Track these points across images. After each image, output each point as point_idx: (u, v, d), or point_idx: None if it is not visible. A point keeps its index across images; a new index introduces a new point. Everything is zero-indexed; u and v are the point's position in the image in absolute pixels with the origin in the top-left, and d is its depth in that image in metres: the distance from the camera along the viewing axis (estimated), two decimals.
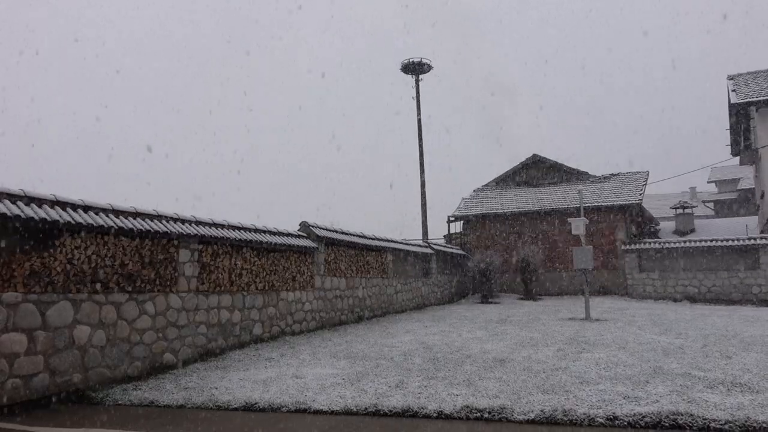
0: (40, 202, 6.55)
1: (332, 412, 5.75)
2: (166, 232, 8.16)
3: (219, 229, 9.55)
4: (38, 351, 6.25)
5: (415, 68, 31.27)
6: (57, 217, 6.51)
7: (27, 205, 6.36)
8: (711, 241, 21.54)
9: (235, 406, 6.04)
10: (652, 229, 28.32)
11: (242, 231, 10.14)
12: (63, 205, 6.85)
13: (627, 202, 23.71)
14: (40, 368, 6.25)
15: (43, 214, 6.37)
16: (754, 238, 20.81)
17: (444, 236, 28.08)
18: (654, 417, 5.10)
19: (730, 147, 27.31)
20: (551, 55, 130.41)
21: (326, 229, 13.21)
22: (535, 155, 28.40)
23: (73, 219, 6.72)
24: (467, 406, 5.59)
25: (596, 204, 23.98)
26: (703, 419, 5.01)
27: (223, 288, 9.47)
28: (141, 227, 7.70)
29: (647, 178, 26.40)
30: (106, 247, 7.29)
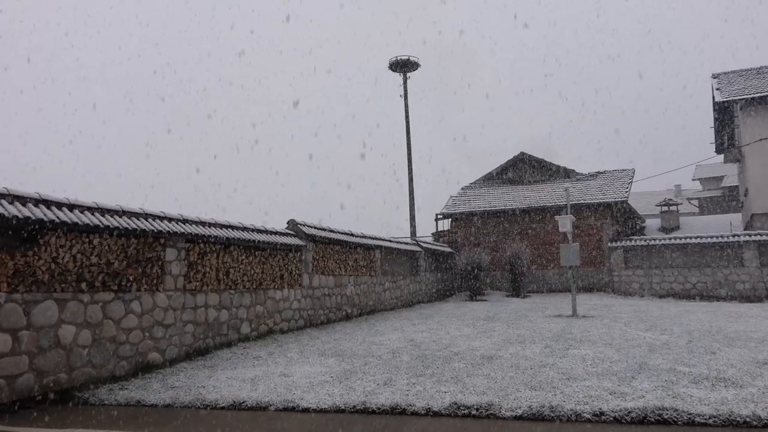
0: (24, 200, 6.47)
1: (320, 410, 5.74)
2: (153, 230, 8.09)
3: (206, 227, 9.50)
4: (23, 351, 6.18)
5: (402, 66, 31.34)
6: (41, 216, 6.43)
7: (11, 203, 6.28)
8: (696, 238, 21.77)
9: (223, 404, 6.01)
10: (637, 227, 28.59)
11: (230, 229, 10.09)
12: (47, 203, 6.77)
13: (613, 200, 23.91)
14: (24, 368, 6.18)
15: (27, 213, 6.29)
16: (738, 235, 21.06)
17: (432, 234, 28.15)
18: (640, 412, 5.15)
19: (714, 145, 27.62)
20: (539, 50, 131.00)
21: (314, 227, 13.19)
22: (522, 153, 28.54)
23: (57, 218, 6.64)
24: (455, 403, 5.61)
25: (583, 201, 24.15)
26: (688, 414, 5.08)
27: (210, 287, 9.42)
28: (127, 226, 7.63)
29: (633, 176, 26.64)
30: (91, 246, 7.22)
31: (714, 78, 25.16)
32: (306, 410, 5.77)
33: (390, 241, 18.32)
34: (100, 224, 7.20)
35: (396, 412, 5.59)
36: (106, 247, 7.44)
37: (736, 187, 37.53)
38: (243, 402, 6.03)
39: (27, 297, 6.32)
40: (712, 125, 26.77)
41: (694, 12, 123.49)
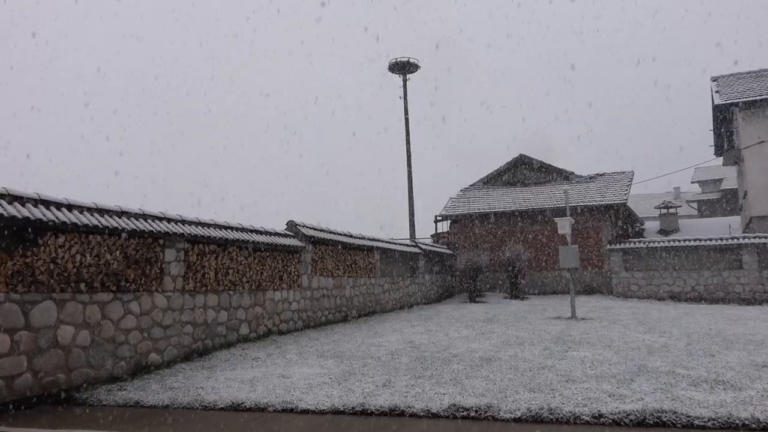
0: (23, 200, 6.47)
1: (319, 412, 5.73)
2: (152, 231, 8.09)
3: (205, 228, 9.49)
4: (21, 351, 6.17)
5: (402, 67, 31.39)
6: (40, 216, 6.43)
7: (10, 203, 6.27)
8: (695, 240, 21.77)
9: (222, 405, 6.01)
10: (637, 229, 28.60)
11: (229, 230, 10.09)
12: (46, 203, 6.76)
13: (612, 202, 23.90)
14: (23, 369, 6.17)
15: (26, 213, 6.29)
16: (737, 238, 21.06)
17: (431, 236, 28.15)
18: (638, 415, 5.15)
19: (713, 148, 27.65)
20: (538, 49, 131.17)
21: (313, 229, 13.19)
22: (521, 155, 28.52)
23: (56, 218, 6.64)
24: (454, 405, 5.61)
25: (582, 204, 24.14)
26: (687, 417, 5.07)
27: (209, 287, 9.41)
28: (126, 226, 7.63)
29: (632, 179, 26.64)
30: (90, 247, 7.21)
31: (713, 81, 25.17)
32: (305, 411, 5.76)
33: (389, 242, 18.31)
34: (99, 225, 7.19)
35: (395, 413, 5.59)
36: (105, 248, 7.44)
37: (736, 189, 37.56)
38: (242, 403, 6.02)
39: (26, 297, 6.31)
40: (712, 128, 26.80)
41: (693, 12, 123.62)
